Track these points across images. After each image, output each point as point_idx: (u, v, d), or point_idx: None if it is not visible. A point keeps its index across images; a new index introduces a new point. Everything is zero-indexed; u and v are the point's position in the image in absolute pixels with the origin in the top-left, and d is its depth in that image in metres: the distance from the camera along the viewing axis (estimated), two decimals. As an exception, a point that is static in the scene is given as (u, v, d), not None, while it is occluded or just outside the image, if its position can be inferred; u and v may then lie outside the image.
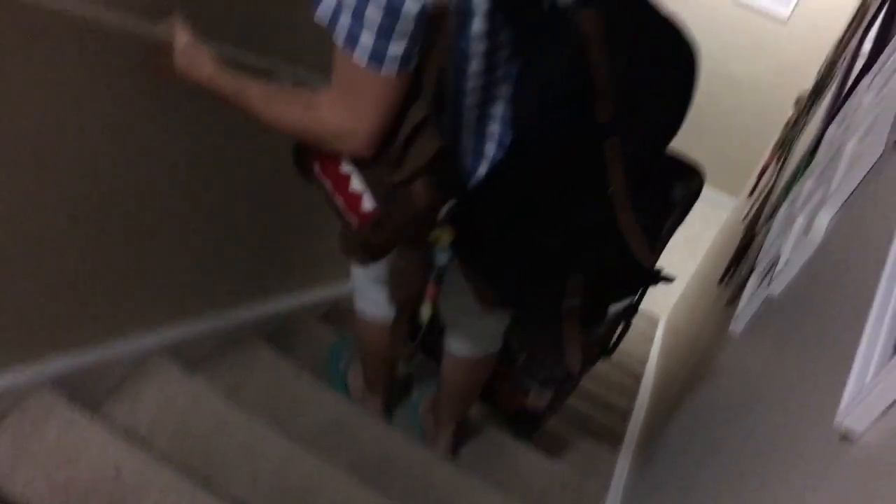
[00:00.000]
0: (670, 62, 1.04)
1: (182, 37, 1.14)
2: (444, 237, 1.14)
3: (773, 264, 1.49)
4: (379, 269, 1.46)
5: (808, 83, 4.20)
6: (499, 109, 1.10)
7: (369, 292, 1.58)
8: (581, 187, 1.07)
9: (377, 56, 0.94)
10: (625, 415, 2.74)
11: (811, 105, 2.83)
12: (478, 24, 0.97)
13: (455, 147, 1.10)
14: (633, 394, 3.01)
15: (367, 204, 1.10)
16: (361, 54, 0.94)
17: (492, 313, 1.42)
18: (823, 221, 1.28)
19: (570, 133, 1.03)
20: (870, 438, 0.63)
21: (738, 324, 1.54)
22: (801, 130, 2.75)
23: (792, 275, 1.32)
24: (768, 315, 1.38)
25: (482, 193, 1.13)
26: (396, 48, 0.94)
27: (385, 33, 0.92)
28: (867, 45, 1.99)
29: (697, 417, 1.56)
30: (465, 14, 0.96)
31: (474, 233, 1.15)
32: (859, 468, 0.63)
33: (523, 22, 0.99)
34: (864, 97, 1.53)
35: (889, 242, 0.82)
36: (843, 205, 1.24)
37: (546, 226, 1.12)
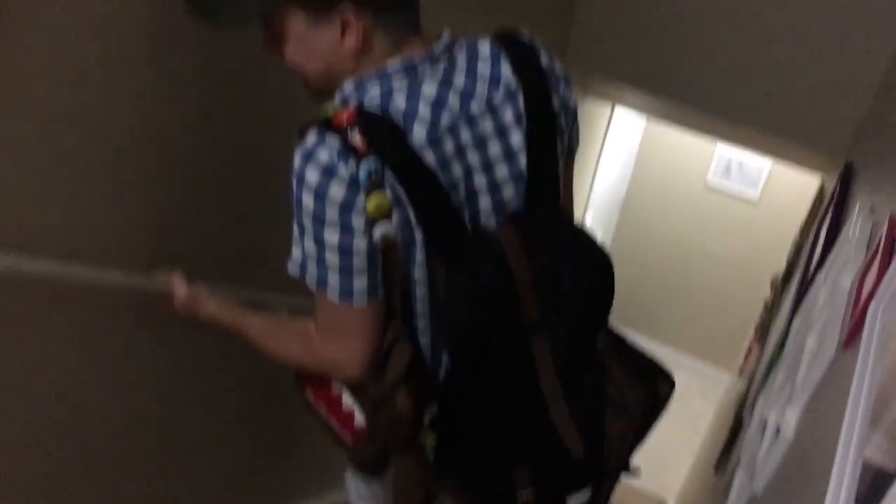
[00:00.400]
0: (586, 265, 1.11)
1: (180, 285, 1.26)
2: (429, 439, 1.20)
3: (754, 459, 1.52)
4: (373, 488, 1.52)
5: (782, 262, 4.37)
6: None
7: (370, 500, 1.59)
8: (518, 384, 1.11)
9: (346, 292, 1.03)
10: None
11: (783, 289, 2.96)
12: (419, 254, 1.06)
13: (420, 357, 1.18)
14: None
15: (359, 419, 1.18)
16: (332, 294, 1.03)
17: None
18: (791, 419, 1.33)
19: (501, 337, 1.09)
20: None
21: (727, 522, 1.55)
22: (776, 314, 2.85)
23: (769, 473, 1.35)
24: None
25: (443, 397, 1.20)
26: (360, 283, 1.03)
27: (346, 272, 1.02)
28: (822, 238, 2.13)
29: None
30: (409, 246, 1.05)
31: (448, 434, 1.21)
32: None
33: (452, 248, 1.07)
34: (819, 292, 1.63)
35: (834, 448, 0.87)
36: (806, 403, 1.30)
37: (494, 422, 1.16)
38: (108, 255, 1.27)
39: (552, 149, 1.15)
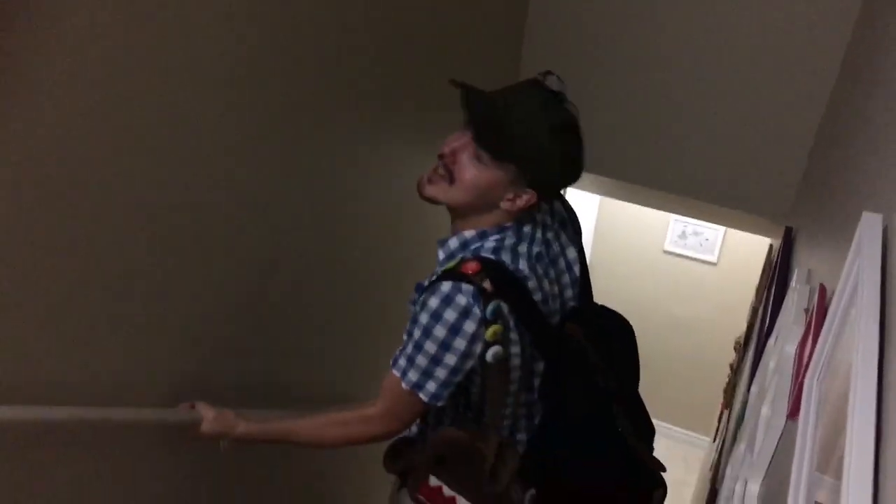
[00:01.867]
0: (626, 338, 1.54)
1: (207, 412, 1.44)
2: None
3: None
4: None
5: (743, 324, 4.43)
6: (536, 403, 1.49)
7: None
8: (603, 426, 1.46)
9: (435, 397, 1.35)
10: None
11: (744, 352, 3.01)
12: (516, 360, 1.38)
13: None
14: None
15: (447, 493, 1.44)
16: (424, 396, 1.35)
17: None
18: (753, 492, 1.35)
19: (589, 401, 1.45)
20: None
21: None
22: (739, 378, 2.89)
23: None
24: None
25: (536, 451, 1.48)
26: (447, 392, 1.36)
27: (446, 385, 1.34)
28: (771, 303, 2.19)
29: None
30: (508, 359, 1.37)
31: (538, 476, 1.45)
32: None
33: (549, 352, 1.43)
34: (770, 359, 1.67)
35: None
36: (765, 475, 1.32)
37: (588, 457, 1.45)
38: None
39: (584, 256, 1.54)
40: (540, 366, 1.44)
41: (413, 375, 1.33)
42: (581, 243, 1.54)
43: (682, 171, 3.03)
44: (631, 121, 3.03)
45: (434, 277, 1.34)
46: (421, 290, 1.35)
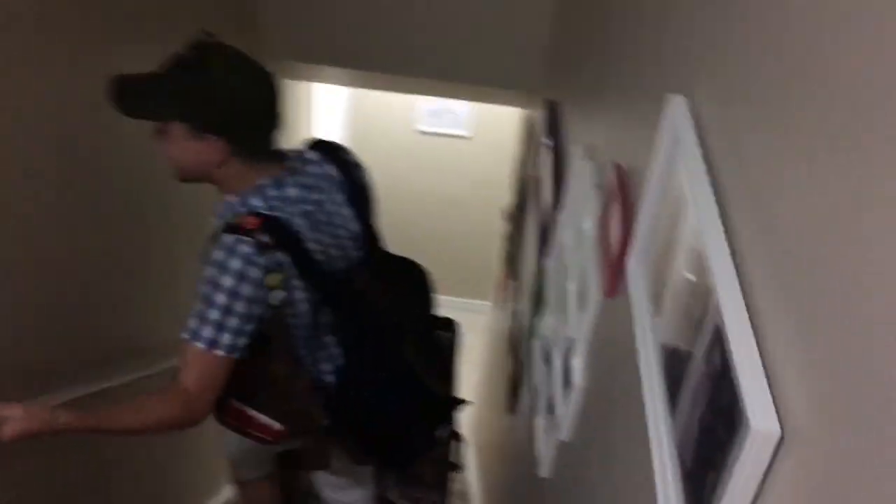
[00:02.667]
0: (418, 281, 1.76)
1: (12, 410, 1.25)
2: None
3: (551, 406, 1.62)
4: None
5: (502, 194, 4.67)
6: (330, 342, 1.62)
7: (251, 460, 1.96)
8: (395, 361, 1.65)
9: (232, 348, 1.40)
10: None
11: (518, 223, 3.15)
12: (303, 306, 1.51)
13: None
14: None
15: (276, 426, 1.60)
16: (220, 350, 1.39)
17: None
18: (578, 367, 1.43)
19: (378, 340, 1.63)
20: None
21: (544, 468, 1.63)
22: (518, 247, 3.04)
23: (571, 421, 1.44)
24: (568, 459, 1.48)
25: (340, 391, 1.62)
26: (243, 341, 1.42)
27: (240, 333, 1.40)
28: (548, 177, 2.28)
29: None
30: (295, 303, 1.49)
31: (345, 417, 1.64)
32: None
33: (331, 298, 1.56)
34: (564, 234, 1.74)
35: (639, 391, 0.94)
36: (587, 350, 1.40)
37: (383, 392, 1.64)
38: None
39: (368, 212, 1.68)
40: (327, 312, 1.57)
41: (207, 332, 1.37)
42: (365, 200, 1.68)
43: (428, 54, 3.06)
44: (372, 8, 2.96)
45: (217, 233, 1.43)
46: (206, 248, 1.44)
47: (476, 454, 4.33)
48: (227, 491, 2.90)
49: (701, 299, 0.75)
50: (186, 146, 1.42)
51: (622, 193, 1.24)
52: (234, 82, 1.40)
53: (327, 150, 1.62)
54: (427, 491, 2.09)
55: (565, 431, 1.47)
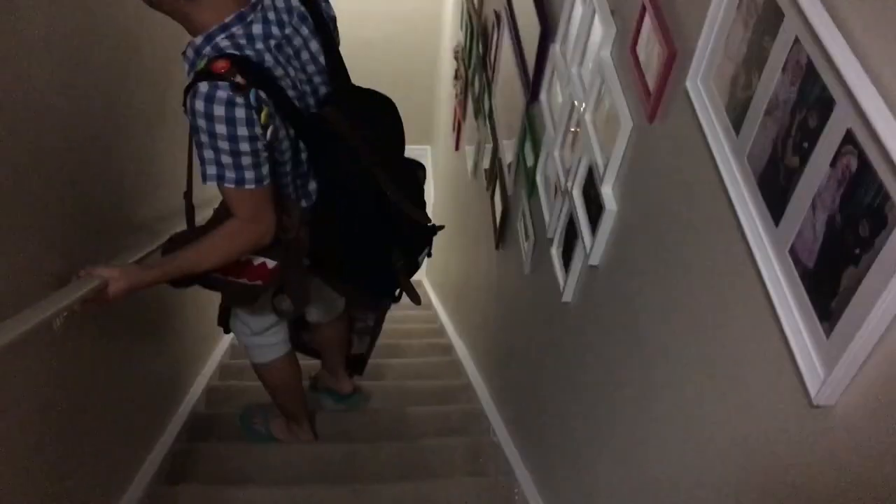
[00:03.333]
0: (387, 113, 1.75)
1: (109, 272, 1.48)
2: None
3: (573, 236, 1.68)
4: (264, 321, 2.05)
5: (434, 35, 4.52)
6: (309, 173, 1.70)
7: (266, 342, 2.14)
8: (372, 196, 1.70)
9: (259, 180, 1.48)
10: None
11: (481, 63, 3.09)
12: (286, 142, 1.55)
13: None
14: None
15: (270, 264, 1.71)
16: (249, 185, 1.47)
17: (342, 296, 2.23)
18: (610, 193, 1.47)
19: (351, 170, 1.67)
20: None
21: (568, 294, 1.72)
22: (483, 88, 3.00)
23: (603, 245, 1.51)
24: (599, 283, 1.56)
25: (320, 221, 1.74)
26: (265, 170, 1.49)
27: (257, 166, 1.46)
28: (521, 11, 2.23)
29: (553, 370, 1.73)
30: (280, 139, 1.53)
31: (323, 246, 1.77)
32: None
33: (306, 134, 1.60)
34: (570, 67, 1.73)
35: (720, 208, 0.99)
36: (620, 176, 1.43)
37: (365, 227, 1.76)
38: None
39: (334, 45, 1.68)
40: (303, 148, 1.63)
41: (229, 174, 1.45)
42: (329, 33, 1.65)
43: None
44: None
45: (190, 81, 1.41)
46: (184, 95, 1.43)
47: (441, 296, 4.48)
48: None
49: (817, 108, 0.78)
50: None
51: (658, 15, 1.24)
52: None
53: None
54: (364, 312, 2.50)
55: (596, 257, 1.54)
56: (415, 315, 4.26)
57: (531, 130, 2.12)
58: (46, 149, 1.52)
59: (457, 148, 4.07)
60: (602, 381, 1.53)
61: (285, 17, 1.53)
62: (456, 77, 4.01)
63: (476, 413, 2.76)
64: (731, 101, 0.99)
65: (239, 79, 1.37)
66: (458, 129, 4.01)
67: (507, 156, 2.48)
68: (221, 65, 1.37)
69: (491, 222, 2.76)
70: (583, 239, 1.58)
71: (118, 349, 2.00)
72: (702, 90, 1.07)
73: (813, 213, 0.79)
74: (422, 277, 5.47)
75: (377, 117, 1.74)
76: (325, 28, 1.62)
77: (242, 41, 1.44)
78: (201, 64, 1.40)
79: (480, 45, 3.11)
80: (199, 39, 1.45)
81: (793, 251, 0.83)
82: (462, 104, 3.80)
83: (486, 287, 2.97)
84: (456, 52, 3.95)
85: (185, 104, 1.42)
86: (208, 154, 1.42)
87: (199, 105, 1.36)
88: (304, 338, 2.48)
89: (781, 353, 0.85)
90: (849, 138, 0.73)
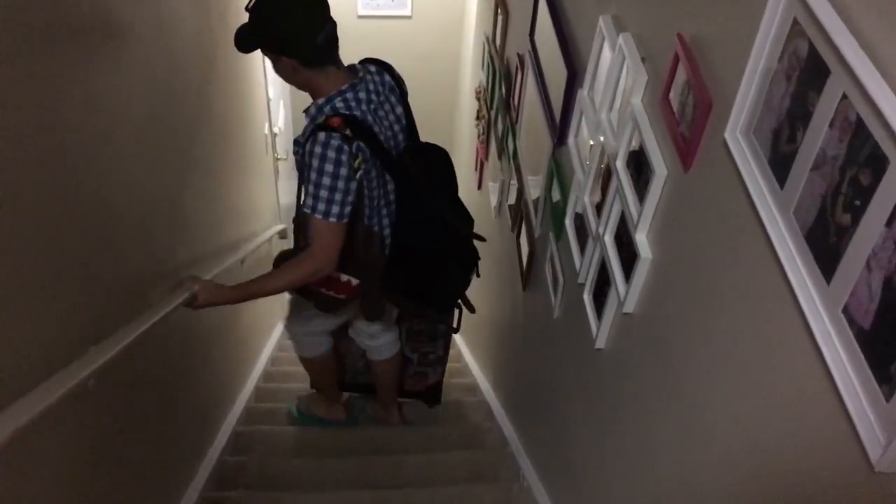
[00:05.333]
0: (445, 163, 2.27)
1: (196, 282, 1.96)
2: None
3: (604, 282, 1.66)
4: (319, 323, 2.59)
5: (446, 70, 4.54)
6: (390, 203, 2.15)
7: (315, 339, 2.72)
8: (439, 220, 2.21)
9: (341, 215, 1.92)
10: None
11: (507, 103, 3.10)
12: (377, 181, 2.03)
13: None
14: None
15: (354, 282, 2.17)
16: (333, 218, 1.90)
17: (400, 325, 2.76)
18: (644, 241, 1.45)
19: (423, 202, 2.16)
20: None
21: (601, 340, 1.69)
22: (508, 131, 3.01)
23: (638, 292, 1.49)
24: (633, 330, 1.54)
25: (393, 253, 2.20)
26: (348, 209, 1.93)
27: (344, 204, 1.90)
28: (546, 54, 2.24)
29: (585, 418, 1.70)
30: (371, 179, 1.99)
31: (394, 275, 2.20)
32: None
33: (394, 173, 2.07)
34: (600, 112, 1.73)
35: (765, 262, 0.97)
36: (655, 225, 1.42)
37: (433, 245, 2.23)
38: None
39: (410, 112, 2.17)
40: (391, 184, 2.09)
41: (322, 207, 1.87)
42: (407, 102, 2.15)
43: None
44: None
45: (309, 132, 1.89)
46: (299, 143, 1.97)
47: (464, 334, 4.45)
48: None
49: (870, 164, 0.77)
50: (277, 65, 1.94)
51: (690, 64, 1.23)
52: (283, 19, 1.83)
53: (381, 65, 2.09)
54: (433, 343, 2.92)
55: (630, 305, 1.52)
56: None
57: (559, 174, 2.11)
58: (82, 205, 1.57)
59: (479, 187, 4.08)
60: (636, 430, 1.51)
61: (381, 88, 2.03)
62: (478, 117, 4.03)
63: (505, 457, 2.73)
64: (774, 155, 0.98)
65: (348, 132, 1.85)
66: (480, 168, 4.02)
67: (532, 195, 2.48)
68: (336, 121, 1.85)
69: (517, 263, 2.74)
70: (616, 286, 1.56)
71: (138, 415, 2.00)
72: (742, 142, 1.06)
73: (868, 273, 0.77)
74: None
75: (439, 164, 2.24)
76: (405, 98, 2.14)
77: (353, 104, 1.93)
78: (321, 119, 1.88)
79: (503, 87, 3.13)
80: (321, 101, 1.94)
81: (846, 310, 0.81)
82: (485, 144, 3.81)
83: (512, 328, 2.95)
84: (478, 93, 3.97)
85: (302, 147, 1.90)
86: (311, 189, 1.87)
87: (317, 148, 1.83)
88: (359, 379, 3.01)
89: (836, 414, 0.82)
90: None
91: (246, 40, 1.89)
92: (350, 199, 1.89)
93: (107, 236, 1.68)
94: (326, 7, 1.85)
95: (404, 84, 2.14)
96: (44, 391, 1.16)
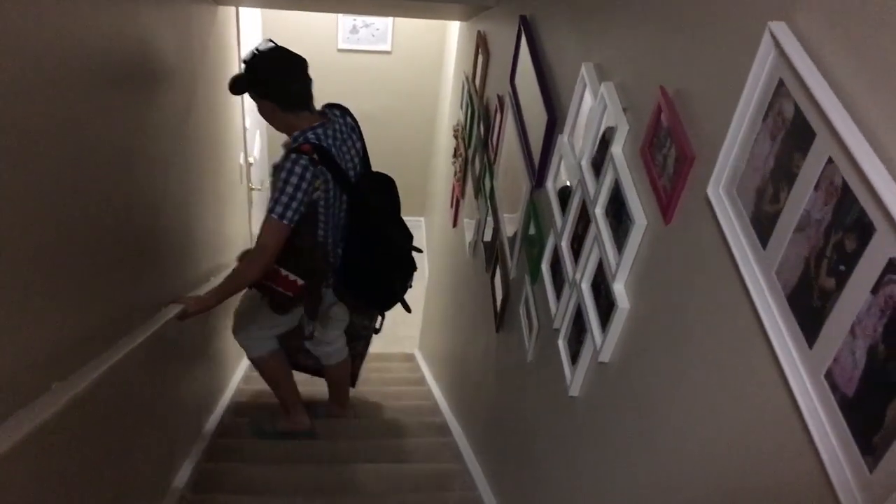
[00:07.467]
0: (391, 188, 2.76)
1: (187, 300, 2.44)
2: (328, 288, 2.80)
3: (580, 328, 1.64)
4: (268, 325, 2.94)
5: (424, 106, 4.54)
6: (342, 225, 2.63)
7: (264, 340, 3.02)
8: (384, 238, 2.70)
9: (291, 220, 2.36)
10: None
11: (484, 142, 3.11)
12: (335, 200, 2.52)
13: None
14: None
15: (300, 281, 2.56)
16: (286, 221, 2.35)
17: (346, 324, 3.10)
18: (622, 290, 1.44)
19: (372, 222, 2.65)
20: None
21: (575, 388, 1.67)
22: (486, 170, 3.01)
23: (614, 342, 1.47)
24: (608, 379, 1.52)
25: (347, 259, 2.70)
26: (298, 216, 2.38)
27: (298, 211, 2.37)
28: (525, 95, 2.25)
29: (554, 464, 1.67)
30: (328, 198, 2.49)
31: (347, 281, 2.74)
32: None
33: (350, 193, 2.56)
34: (582, 160, 1.72)
35: (745, 320, 0.96)
36: (633, 275, 1.41)
37: (378, 257, 2.70)
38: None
39: (365, 147, 2.70)
40: (345, 204, 2.56)
41: (279, 209, 2.34)
42: (363, 140, 2.68)
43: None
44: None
45: (284, 154, 2.41)
46: (275, 165, 2.45)
47: (434, 372, 4.41)
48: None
49: (856, 234, 0.76)
50: (261, 107, 2.46)
51: (672, 117, 1.23)
52: (270, 72, 2.40)
53: (342, 109, 2.60)
54: (352, 341, 3.26)
55: (606, 354, 1.50)
56: (410, 392, 4.19)
57: (536, 216, 2.11)
58: (106, 226, 1.81)
59: (454, 224, 4.07)
60: (609, 479, 1.48)
61: (344, 128, 2.55)
62: (455, 155, 4.03)
63: (473, 501, 2.68)
64: (757, 213, 0.97)
65: (315, 156, 2.37)
66: (455, 205, 4.01)
67: (509, 234, 2.47)
68: (307, 147, 2.37)
69: (491, 304, 2.72)
70: (592, 334, 1.55)
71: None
72: (724, 199, 1.06)
73: (853, 340, 0.76)
74: (414, 350, 5.42)
75: (386, 190, 2.73)
76: (362, 136, 2.67)
77: (322, 137, 2.43)
78: (295, 145, 2.38)
79: (482, 126, 3.14)
80: (296, 134, 2.44)
81: (829, 375, 0.80)
82: (461, 182, 3.81)
83: (484, 370, 2.92)
84: (455, 131, 3.98)
85: (277, 165, 2.42)
86: (276, 195, 2.34)
87: (288, 164, 2.34)
88: (304, 362, 3.28)
89: (819, 482, 0.80)
90: (891, 267, 0.71)
91: (239, 86, 2.45)
92: (301, 209, 2.36)
93: (121, 258, 1.99)
94: (305, 66, 2.40)
95: (359, 125, 2.67)
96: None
